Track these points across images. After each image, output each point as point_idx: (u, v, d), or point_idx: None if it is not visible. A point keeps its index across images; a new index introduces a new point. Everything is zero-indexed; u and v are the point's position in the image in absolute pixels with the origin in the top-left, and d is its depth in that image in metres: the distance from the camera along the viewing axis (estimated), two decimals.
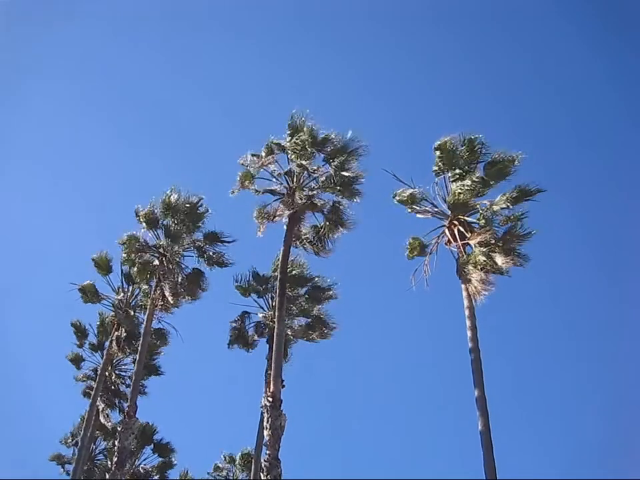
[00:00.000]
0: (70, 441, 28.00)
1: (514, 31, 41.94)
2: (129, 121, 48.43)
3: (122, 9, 41.28)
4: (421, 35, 45.84)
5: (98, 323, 26.53)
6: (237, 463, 27.80)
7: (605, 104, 38.95)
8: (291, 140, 20.05)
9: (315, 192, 20.05)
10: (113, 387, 26.04)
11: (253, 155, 20.18)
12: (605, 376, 36.70)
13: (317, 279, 23.32)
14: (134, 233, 22.86)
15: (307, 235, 20.64)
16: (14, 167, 44.51)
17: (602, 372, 36.58)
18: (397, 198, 19.84)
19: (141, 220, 22.76)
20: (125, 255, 23.27)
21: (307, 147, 19.76)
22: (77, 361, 26.76)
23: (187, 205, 22.61)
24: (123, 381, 26.51)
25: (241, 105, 47.16)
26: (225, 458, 28.21)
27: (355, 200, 19.98)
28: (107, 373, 25.14)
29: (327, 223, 20.48)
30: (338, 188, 19.88)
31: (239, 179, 20.24)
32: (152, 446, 26.58)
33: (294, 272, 22.75)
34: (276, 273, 21.29)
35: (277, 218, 19.91)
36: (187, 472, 27.40)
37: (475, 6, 39.77)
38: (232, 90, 47.71)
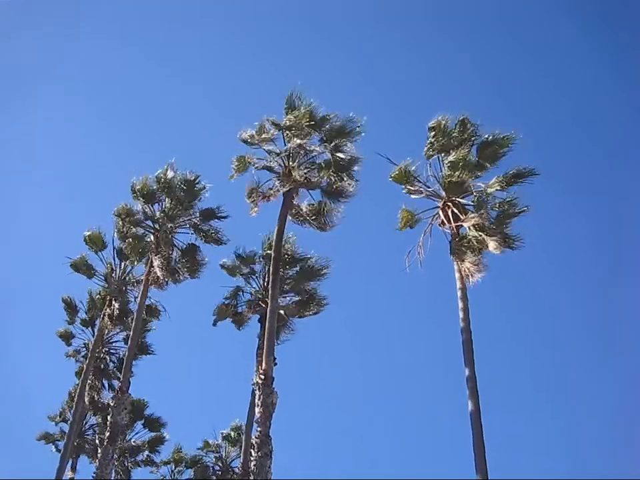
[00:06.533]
0: (58, 418, 27.99)
1: (513, 28, 41.76)
2: (124, 103, 47.79)
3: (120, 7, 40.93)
4: (419, 32, 45.58)
5: (88, 299, 26.42)
6: (227, 438, 27.88)
7: (604, 98, 38.99)
8: (287, 117, 19.74)
9: (311, 170, 19.90)
10: (102, 365, 26.01)
11: (249, 133, 19.88)
12: (599, 357, 37.11)
13: (309, 258, 23.18)
14: (129, 205, 22.71)
15: (308, 211, 20.51)
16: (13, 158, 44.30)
17: (596, 353, 36.96)
18: (393, 175, 19.67)
19: (137, 194, 22.58)
20: (119, 227, 23.14)
21: (303, 125, 19.51)
22: (66, 337, 26.65)
23: (184, 182, 22.46)
24: (112, 360, 26.46)
25: (235, 89, 46.60)
26: (217, 434, 28.25)
27: (351, 183, 19.91)
28: (97, 350, 25.11)
29: (325, 199, 20.32)
30: (334, 169, 19.74)
31: (235, 160, 19.97)
32: (143, 421, 26.72)
33: (286, 252, 22.63)
34: (269, 251, 21.29)
35: (271, 197, 19.76)
36: (180, 448, 27.53)
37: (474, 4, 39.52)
38: (226, 74, 47.16)
